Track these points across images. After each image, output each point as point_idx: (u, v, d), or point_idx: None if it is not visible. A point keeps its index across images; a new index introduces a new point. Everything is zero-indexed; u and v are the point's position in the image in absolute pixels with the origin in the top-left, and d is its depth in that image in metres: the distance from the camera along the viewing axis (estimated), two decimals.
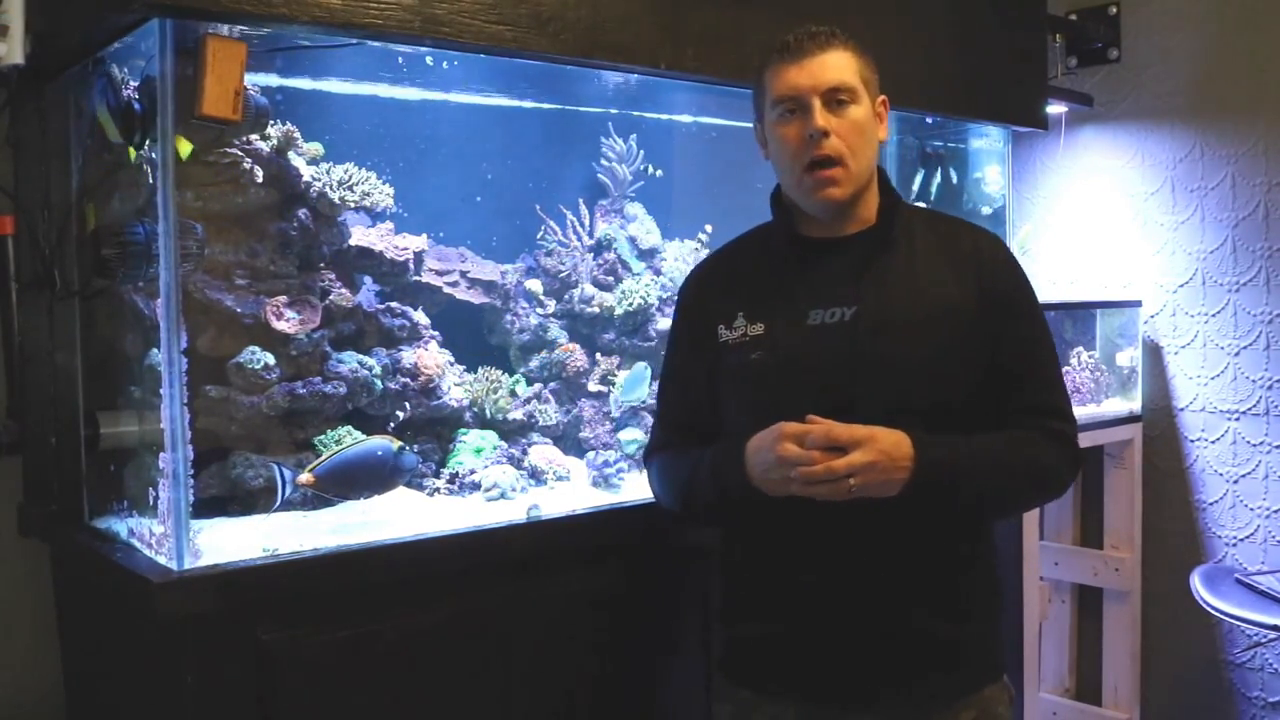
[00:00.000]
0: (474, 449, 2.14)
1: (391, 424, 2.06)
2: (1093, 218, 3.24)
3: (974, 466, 1.51)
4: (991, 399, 1.57)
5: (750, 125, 1.70)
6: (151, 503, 1.65)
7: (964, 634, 1.59)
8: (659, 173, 2.61)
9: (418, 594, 1.69)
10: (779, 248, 1.66)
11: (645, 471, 1.80)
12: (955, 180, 3.02)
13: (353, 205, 2.07)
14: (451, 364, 2.21)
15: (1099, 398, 3.10)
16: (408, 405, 2.09)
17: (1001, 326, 1.58)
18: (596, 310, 2.44)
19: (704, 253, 2.58)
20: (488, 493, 2.02)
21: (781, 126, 1.58)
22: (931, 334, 1.55)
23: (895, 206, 1.63)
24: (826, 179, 1.56)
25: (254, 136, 1.90)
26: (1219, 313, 3.00)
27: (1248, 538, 2.96)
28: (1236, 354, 2.97)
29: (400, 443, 1.89)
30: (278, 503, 1.78)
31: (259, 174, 1.90)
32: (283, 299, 1.94)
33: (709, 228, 2.58)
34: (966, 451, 1.51)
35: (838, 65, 1.57)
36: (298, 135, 2.00)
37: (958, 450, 1.50)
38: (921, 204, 2.97)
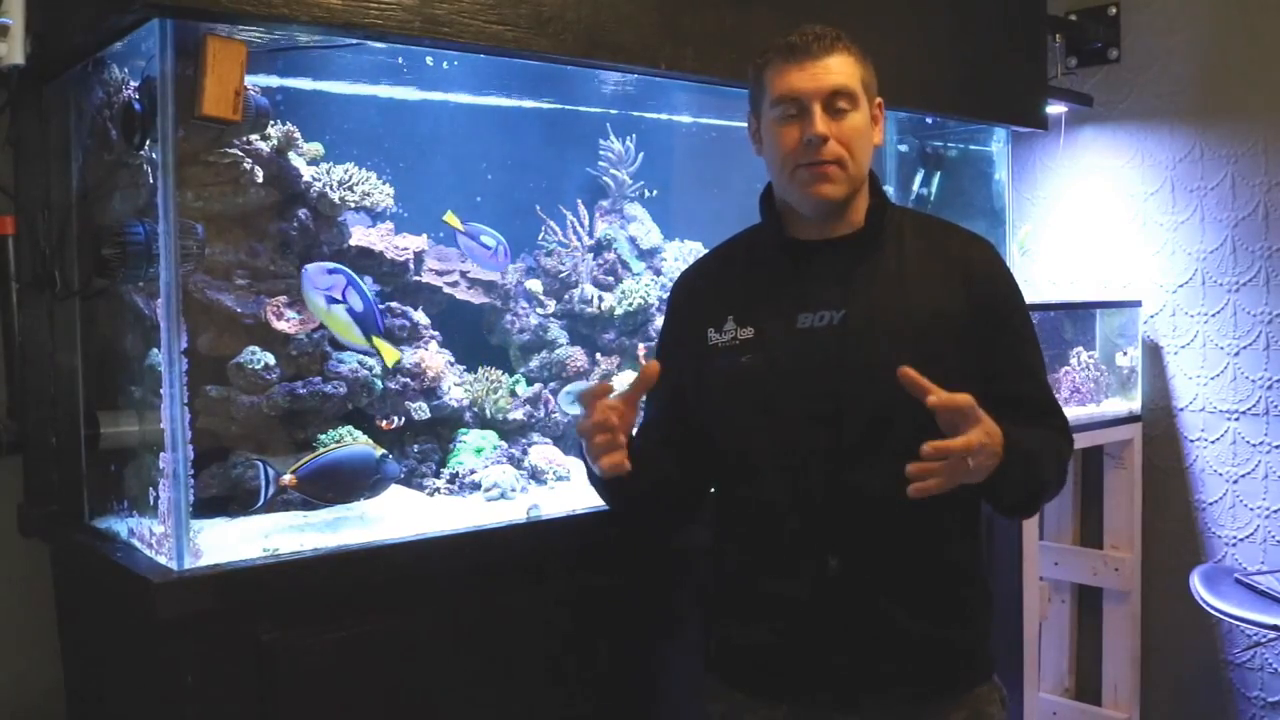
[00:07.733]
0: (474, 449, 2.14)
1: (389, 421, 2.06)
2: (1092, 218, 3.24)
3: (1036, 454, 1.53)
4: (983, 405, 1.54)
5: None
6: (152, 502, 1.65)
7: (951, 635, 1.59)
8: (654, 193, 2.62)
9: (418, 594, 1.69)
10: (769, 250, 1.66)
11: None
12: (954, 180, 3.02)
13: (353, 205, 2.07)
14: (451, 364, 2.22)
15: (1099, 398, 3.09)
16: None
17: (994, 332, 1.58)
18: (596, 310, 2.44)
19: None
20: (488, 493, 2.02)
21: (780, 126, 1.58)
22: (919, 339, 1.54)
23: (883, 209, 1.63)
24: (821, 174, 1.55)
25: (254, 136, 1.90)
26: (1219, 313, 3.00)
27: (1247, 538, 2.96)
28: (1236, 354, 2.97)
29: (383, 450, 1.89)
30: (260, 502, 1.78)
31: (259, 174, 1.90)
32: (283, 299, 1.94)
33: None
34: (1029, 438, 1.51)
35: (840, 70, 1.56)
36: (298, 135, 2.00)
37: (1025, 438, 1.50)
38: (913, 206, 2.96)
